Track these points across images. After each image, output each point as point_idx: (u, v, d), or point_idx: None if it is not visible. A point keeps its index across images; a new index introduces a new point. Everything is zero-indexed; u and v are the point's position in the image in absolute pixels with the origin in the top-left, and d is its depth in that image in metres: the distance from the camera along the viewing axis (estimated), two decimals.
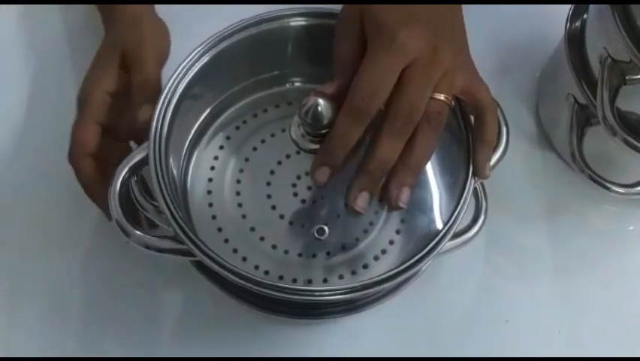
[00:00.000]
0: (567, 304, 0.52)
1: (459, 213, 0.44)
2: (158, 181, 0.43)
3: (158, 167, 0.43)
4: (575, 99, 0.50)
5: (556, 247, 0.53)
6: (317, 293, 0.42)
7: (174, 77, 0.46)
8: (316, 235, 0.48)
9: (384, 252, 0.48)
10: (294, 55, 0.51)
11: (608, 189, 0.49)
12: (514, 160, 0.55)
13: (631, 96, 0.47)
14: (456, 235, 0.46)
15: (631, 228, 0.55)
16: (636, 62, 0.44)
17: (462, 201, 0.44)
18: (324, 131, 0.43)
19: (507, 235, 0.54)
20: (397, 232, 0.49)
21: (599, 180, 0.49)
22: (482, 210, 0.48)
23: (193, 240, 0.42)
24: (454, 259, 0.52)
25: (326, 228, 0.48)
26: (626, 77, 0.46)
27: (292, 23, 0.49)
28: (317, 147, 0.44)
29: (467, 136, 0.46)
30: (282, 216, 0.48)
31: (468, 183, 0.45)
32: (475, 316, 0.52)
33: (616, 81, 0.46)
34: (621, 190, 0.49)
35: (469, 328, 0.51)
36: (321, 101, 0.42)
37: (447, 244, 0.44)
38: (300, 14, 0.49)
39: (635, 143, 0.46)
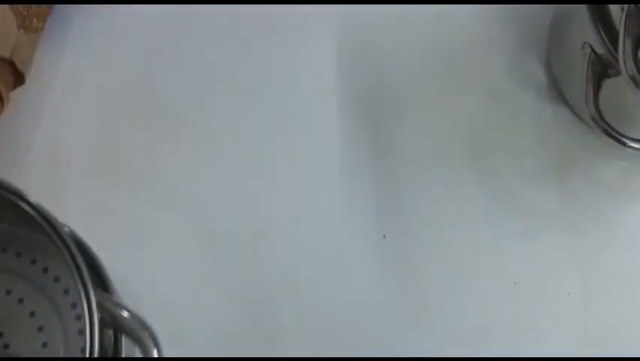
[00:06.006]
0: (577, 265, 0.49)
1: None
2: None
3: None
4: (592, 49, 0.46)
5: (566, 205, 0.50)
6: None
7: None
8: None
9: None
10: None
11: (624, 144, 0.46)
12: (522, 113, 0.53)
13: None
14: None
15: None
16: None
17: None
18: None
19: (514, 193, 0.51)
20: None
21: (614, 135, 0.46)
22: None
23: None
24: (458, 218, 0.50)
25: None
26: None
27: None
28: None
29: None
30: None
31: None
32: (482, 278, 0.49)
33: (638, 29, 0.42)
34: (638, 146, 0.46)
35: (475, 290, 0.49)
36: None
37: None
38: None
39: None
